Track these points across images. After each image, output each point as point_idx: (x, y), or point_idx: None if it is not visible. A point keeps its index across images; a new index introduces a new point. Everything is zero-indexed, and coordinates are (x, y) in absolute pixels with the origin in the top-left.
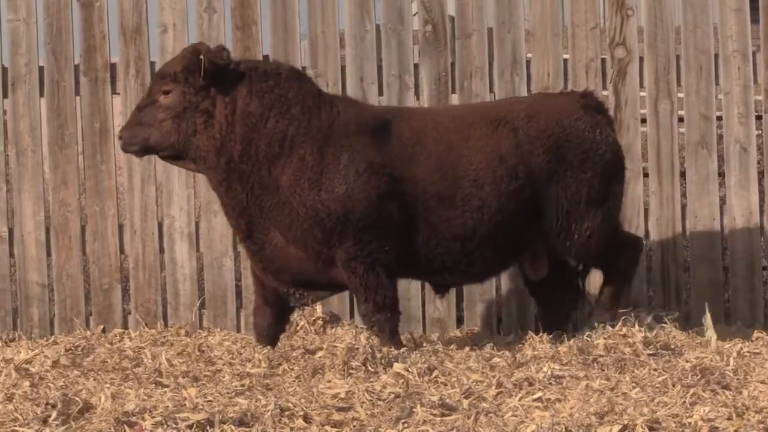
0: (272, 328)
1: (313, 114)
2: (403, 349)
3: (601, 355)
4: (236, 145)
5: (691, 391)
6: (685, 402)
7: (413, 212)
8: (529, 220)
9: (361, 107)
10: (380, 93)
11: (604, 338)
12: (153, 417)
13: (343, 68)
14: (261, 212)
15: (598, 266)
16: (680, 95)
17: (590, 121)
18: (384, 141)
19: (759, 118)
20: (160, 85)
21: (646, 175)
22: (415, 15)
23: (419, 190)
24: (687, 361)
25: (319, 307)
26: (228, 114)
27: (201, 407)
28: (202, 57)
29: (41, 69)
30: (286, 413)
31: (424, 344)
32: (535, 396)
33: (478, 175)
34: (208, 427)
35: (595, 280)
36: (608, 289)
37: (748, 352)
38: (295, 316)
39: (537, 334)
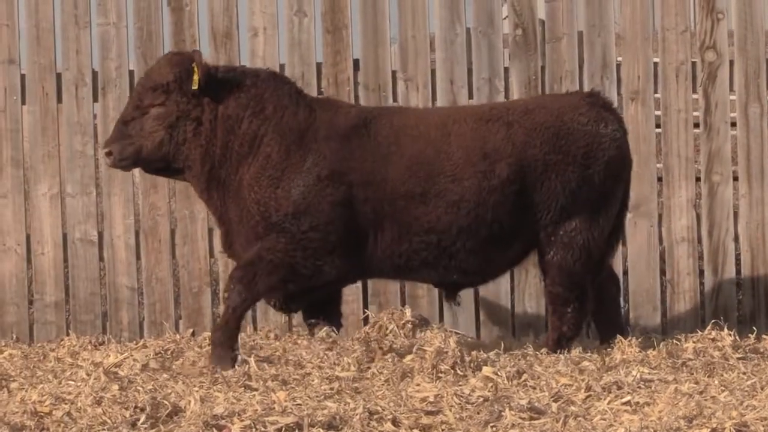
0: None
1: (287, 113)
2: (493, 352)
3: (690, 359)
4: (217, 149)
5: None
6: None
7: (383, 212)
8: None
9: (338, 111)
10: (470, 96)
11: (693, 342)
12: (242, 420)
13: (433, 72)
14: (229, 218)
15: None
16: None
17: (595, 116)
18: (356, 146)
19: None
20: (151, 97)
21: (735, 178)
22: (505, 18)
23: (390, 189)
24: None
25: (408, 311)
26: (211, 119)
27: (290, 411)
28: (195, 66)
29: (131, 73)
30: (375, 417)
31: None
32: (623, 399)
33: (456, 170)
34: (296, 431)
35: None
36: (554, 333)
37: None
38: (384, 318)
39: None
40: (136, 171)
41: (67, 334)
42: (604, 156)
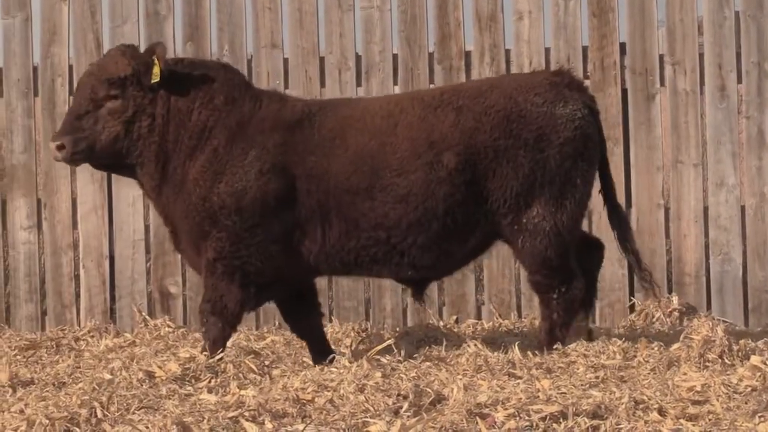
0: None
1: (236, 106)
2: (762, 341)
3: None
4: (169, 145)
5: None
6: None
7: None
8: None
9: (285, 104)
10: (739, 80)
11: None
12: (506, 409)
13: (701, 56)
14: (175, 214)
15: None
16: None
17: (553, 96)
18: (299, 139)
19: None
20: (106, 90)
21: None
22: None
23: (334, 183)
24: None
25: (675, 299)
26: (164, 114)
27: (554, 399)
28: (155, 59)
29: (395, 57)
30: (641, 406)
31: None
32: None
33: (402, 163)
34: (561, 419)
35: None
36: (545, 323)
37: None
38: (650, 306)
39: None
40: None
41: (330, 321)
42: (559, 138)
